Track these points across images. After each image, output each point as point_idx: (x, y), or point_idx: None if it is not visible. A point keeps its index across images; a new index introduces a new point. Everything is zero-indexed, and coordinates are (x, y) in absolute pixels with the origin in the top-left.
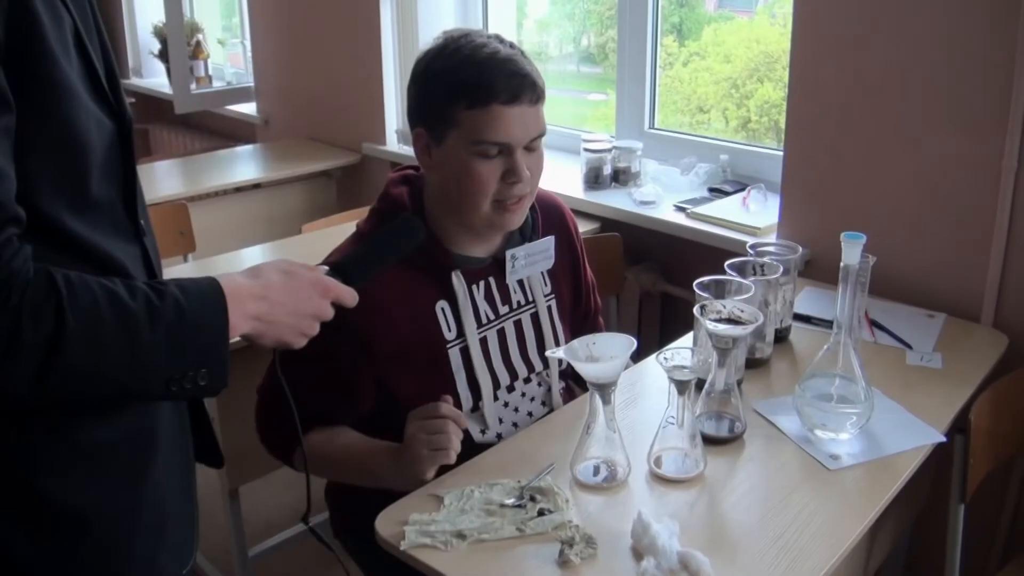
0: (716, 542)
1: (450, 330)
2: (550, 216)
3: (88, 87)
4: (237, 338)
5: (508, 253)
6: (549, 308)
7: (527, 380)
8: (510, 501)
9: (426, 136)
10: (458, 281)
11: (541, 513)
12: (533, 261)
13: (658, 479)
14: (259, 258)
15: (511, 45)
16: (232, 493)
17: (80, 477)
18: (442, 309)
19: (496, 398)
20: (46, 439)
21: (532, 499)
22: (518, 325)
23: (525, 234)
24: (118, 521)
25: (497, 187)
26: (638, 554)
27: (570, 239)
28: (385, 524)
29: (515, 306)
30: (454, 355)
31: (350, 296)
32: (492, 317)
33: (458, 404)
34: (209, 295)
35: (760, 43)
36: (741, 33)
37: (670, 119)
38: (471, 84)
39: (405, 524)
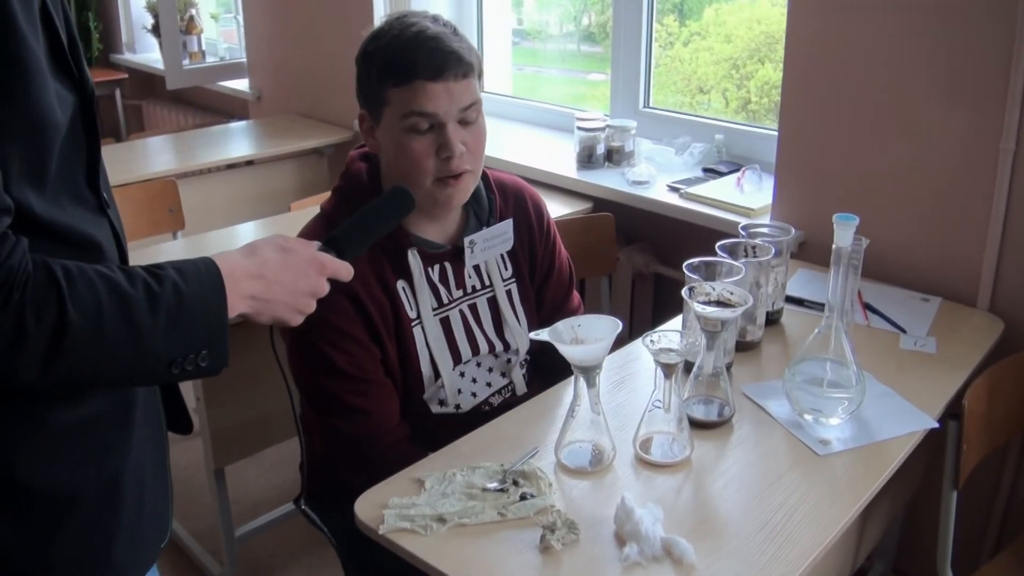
0: (702, 528)
1: (411, 308)
2: (510, 200)
3: (51, 61)
4: (236, 317)
5: (466, 240)
6: (509, 292)
7: (482, 356)
8: (492, 485)
9: (368, 117)
10: (414, 260)
11: (523, 497)
12: (491, 245)
13: (644, 463)
14: (249, 236)
15: (445, 24)
16: (218, 472)
17: (62, 458)
18: (403, 288)
19: (462, 374)
20: (23, 424)
21: (515, 483)
22: (473, 309)
23: (482, 219)
24: (103, 498)
25: (434, 163)
26: (621, 540)
27: (532, 223)
28: (364, 507)
29: (469, 291)
30: (417, 333)
31: (346, 271)
32: (447, 300)
33: (420, 379)
34: (207, 277)
35: (761, 23)
36: (743, 13)
37: (670, 99)
38: (395, 63)
39: (385, 507)
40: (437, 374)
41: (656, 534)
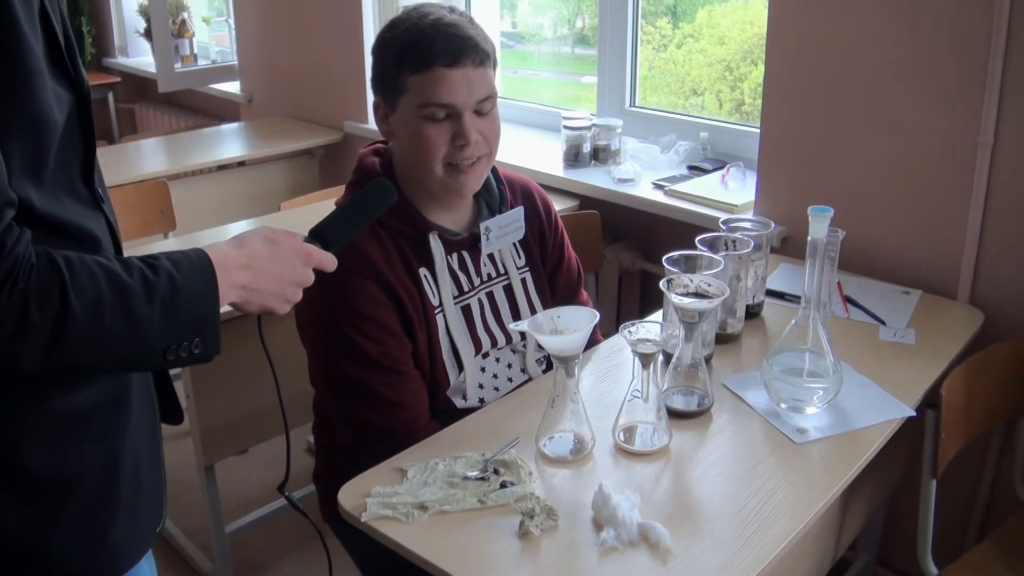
0: (679, 513)
1: (434, 296)
2: (519, 192)
3: (49, 61)
4: (226, 307)
5: (482, 225)
6: (523, 281)
7: (500, 348)
8: (473, 474)
9: (383, 105)
10: (436, 245)
11: (503, 486)
12: (505, 232)
13: (623, 452)
14: None
15: (461, 13)
16: (208, 469)
17: (64, 442)
18: (425, 276)
19: (482, 369)
20: (27, 409)
21: (495, 472)
22: (490, 297)
23: (493, 208)
24: (102, 481)
25: (447, 150)
26: (598, 525)
27: (540, 215)
28: (348, 496)
29: (485, 279)
30: (439, 320)
31: (330, 261)
32: (468, 288)
33: (444, 371)
34: (199, 267)
35: (754, 25)
36: (735, 15)
37: (663, 101)
38: (414, 49)
39: (367, 496)
40: (458, 363)
41: (633, 519)
